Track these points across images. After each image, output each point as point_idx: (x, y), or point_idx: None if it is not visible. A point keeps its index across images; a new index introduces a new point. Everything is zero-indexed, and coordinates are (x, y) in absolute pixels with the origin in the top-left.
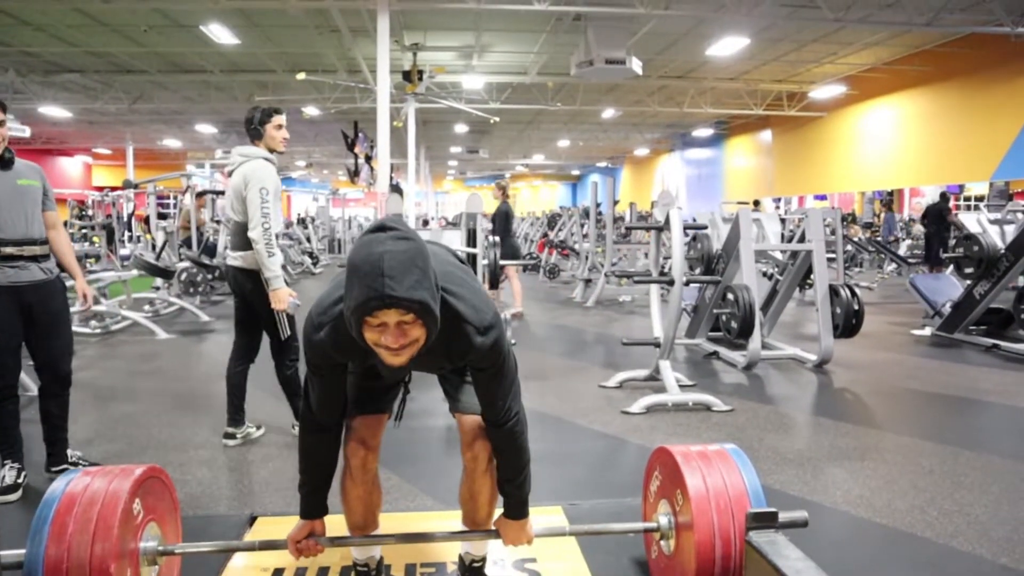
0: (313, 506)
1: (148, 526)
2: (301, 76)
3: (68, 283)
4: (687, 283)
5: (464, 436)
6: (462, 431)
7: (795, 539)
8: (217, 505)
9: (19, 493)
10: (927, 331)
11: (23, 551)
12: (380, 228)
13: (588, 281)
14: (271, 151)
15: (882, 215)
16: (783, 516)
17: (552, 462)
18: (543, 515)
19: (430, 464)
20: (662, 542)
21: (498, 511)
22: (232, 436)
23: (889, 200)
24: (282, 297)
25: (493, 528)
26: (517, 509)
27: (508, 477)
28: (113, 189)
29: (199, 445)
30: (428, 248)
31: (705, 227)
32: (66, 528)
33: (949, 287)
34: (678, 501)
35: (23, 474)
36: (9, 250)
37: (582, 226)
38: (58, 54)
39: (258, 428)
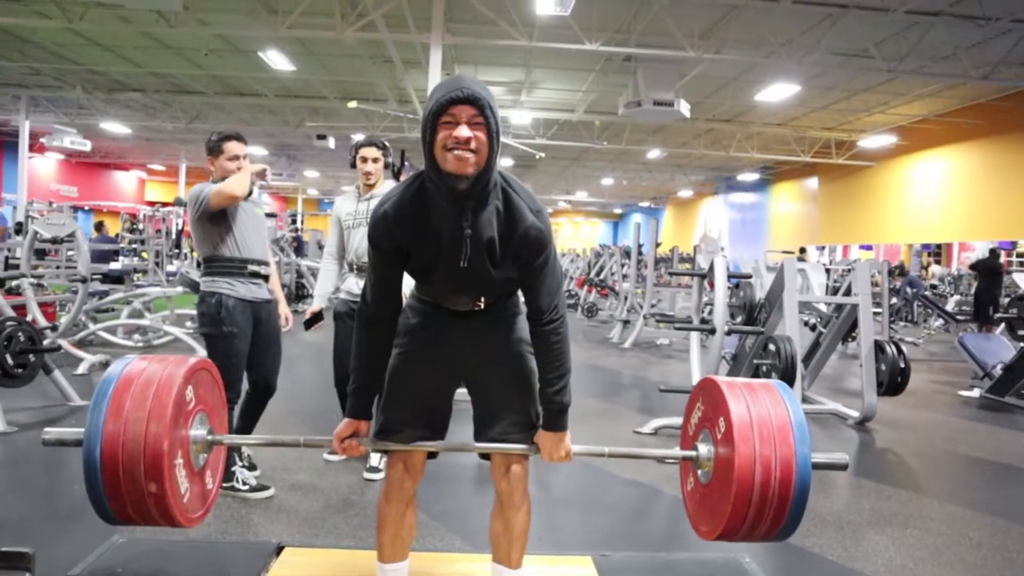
0: (359, 406)
1: (199, 415)
2: (352, 104)
3: None
4: (729, 332)
5: (497, 465)
6: (499, 457)
7: None
8: (246, 531)
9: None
10: (976, 393)
11: (83, 429)
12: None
13: (626, 322)
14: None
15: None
16: (823, 458)
17: (582, 509)
18: (572, 565)
19: (460, 502)
20: (699, 471)
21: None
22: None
23: (936, 254)
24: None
25: (533, 444)
26: (556, 417)
27: (549, 382)
28: (164, 204)
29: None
30: None
31: (749, 276)
32: (123, 405)
33: (1000, 348)
34: (720, 428)
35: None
36: (254, 268)
37: (622, 265)
38: (123, 73)
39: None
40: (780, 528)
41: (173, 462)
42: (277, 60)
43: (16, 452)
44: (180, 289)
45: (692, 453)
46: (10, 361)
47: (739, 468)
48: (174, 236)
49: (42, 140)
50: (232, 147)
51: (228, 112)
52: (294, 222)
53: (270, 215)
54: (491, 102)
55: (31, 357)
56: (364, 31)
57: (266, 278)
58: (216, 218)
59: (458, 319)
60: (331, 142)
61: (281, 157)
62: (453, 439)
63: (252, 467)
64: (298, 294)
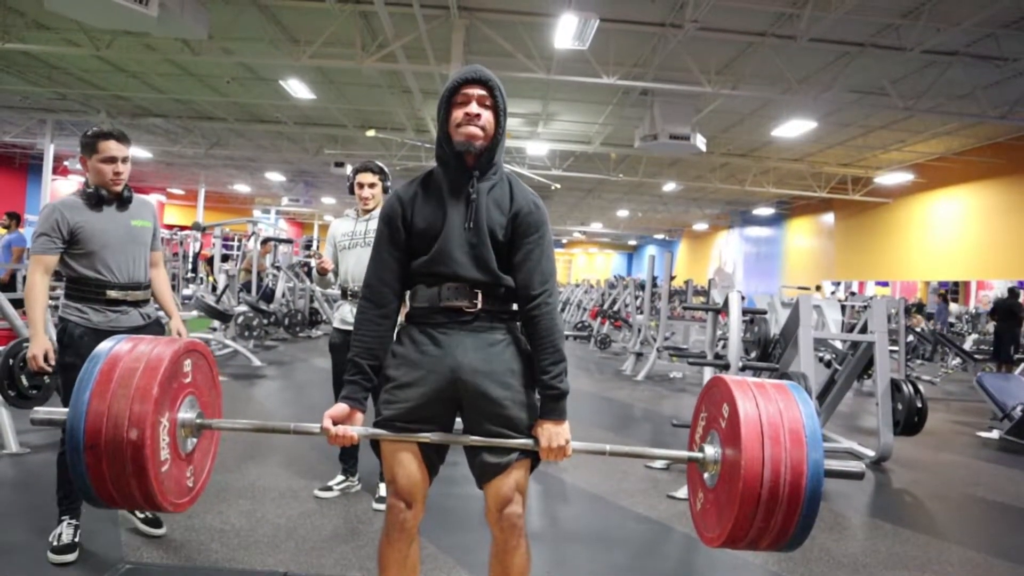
0: (355, 393)
1: (188, 397)
2: (371, 133)
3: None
4: (743, 368)
5: (494, 504)
6: (492, 498)
7: None
8: (252, 559)
9: (75, 554)
10: (995, 434)
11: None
12: None
13: (639, 355)
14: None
15: (936, 306)
16: (838, 466)
17: (592, 544)
18: None
19: (469, 534)
20: (706, 475)
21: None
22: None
23: (954, 291)
24: None
25: (531, 437)
26: (554, 403)
27: (545, 370)
28: (182, 228)
29: (239, 494)
30: None
31: (764, 312)
32: (109, 384)
33: (1020, 388)
34: (725, 424)
35: (79, 532)
36: (114, 294)
37: (636, 298)
38: (146, 99)
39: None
40: (790, 535)
41: (157, 443)
42: (297, 88)
43: (28, 474)
44: (196, 313)
45: (698, 455)
46: (25, 382)
47: (746, 466)
48: (191, 260)
49: (66, 163)
50: (110, 147)
51: (248, 138)
52: (308, 247)
53: (285, 241)
54: (500, 85)
55: (46, 379)
56: (384, 62)
57: (138, 303)
58: None
59: (451, 333)
60: (349, 170)
61: (299, 183)
62: (454, 472)
63: (153, 522)
64: (311, 320)
